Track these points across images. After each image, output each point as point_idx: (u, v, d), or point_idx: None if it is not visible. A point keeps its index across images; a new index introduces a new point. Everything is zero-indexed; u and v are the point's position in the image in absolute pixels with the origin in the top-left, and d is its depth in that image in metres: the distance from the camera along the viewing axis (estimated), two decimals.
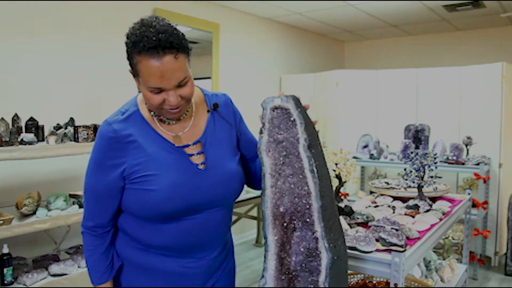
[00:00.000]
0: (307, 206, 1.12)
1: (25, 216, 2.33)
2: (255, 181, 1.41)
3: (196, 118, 1.29)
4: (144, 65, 1.08)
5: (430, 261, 2.20)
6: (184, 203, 1.19)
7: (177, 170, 1.20)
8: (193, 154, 1.24)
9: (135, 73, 1.14)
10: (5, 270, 2.22)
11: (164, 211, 1.18)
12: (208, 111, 1.31)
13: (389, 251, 1.31)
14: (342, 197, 1.92)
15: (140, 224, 1.23)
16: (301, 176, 1.13)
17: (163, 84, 1.10)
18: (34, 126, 2.45)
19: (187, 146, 1.24)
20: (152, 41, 1.05)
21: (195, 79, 1.29)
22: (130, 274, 1.30)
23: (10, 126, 2.39)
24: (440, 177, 1.99)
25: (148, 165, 1.18)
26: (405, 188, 2.15)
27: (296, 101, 1.15)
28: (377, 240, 1.41)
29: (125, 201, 1.22)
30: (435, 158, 1.96)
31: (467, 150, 3.81)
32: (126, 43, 1.12)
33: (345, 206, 1.70)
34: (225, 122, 1.32)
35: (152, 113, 1.24)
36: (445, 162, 3.63)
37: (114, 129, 1.18)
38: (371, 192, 2.32)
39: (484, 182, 3.53)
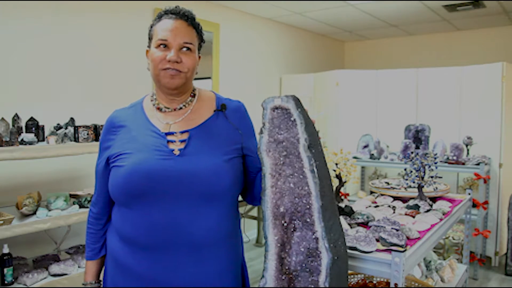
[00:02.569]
0: (308, 206, 1.12)
1: (25, 216, 2.33)
2: (253, 197, 1.35)
3: (196, 113, 1.30)
4: (159, 24, 1.25)
5: (430, 261, 2.19)
6: (145, 183, 1.16)
7: (149, 150, 1.20)
8: (174, 141, 1.23)
9: (150, 39, 1.28)
10: (5, 270, 2.22)
11: (126, 189, 1.18)
12: (214, 110, 1.31)
13: (389, 251, 1.31)
14: (343, 197, 1.92)
15: (118, 210, 1.26)
16: (301, 176, 1.13)
17: (170, 37, 1.22)
18: (34, 126, 2.45)
19: (172, 133, 1.25)
20: (173, 9, 1.27)
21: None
22: (112, 271, 1.28)
23: (11, 126, 2.40)
24: (440, 177, 1.99)
25: (128, 145, 1.24)
26: (405, 188, 2.15)
27: (297, 101, 1.16)
28: (377, 240, 1.41)
29: (108, 183, 1.27)
30: (435, 158, 1.96)
31: (467, 150, 3.81)
32: (152, 21, 1.30)
33: (346, 206, 1.70)
34: (229, 124, 1.30)
35: (152, 102, 1.31)
36: (445, 162, 3.63)
37: (114, 115, 1.32)
38: (372, 192, 2.32)
39: (485, 182, 3.53)
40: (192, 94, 1.33)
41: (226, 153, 1.24)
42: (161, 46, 1.23)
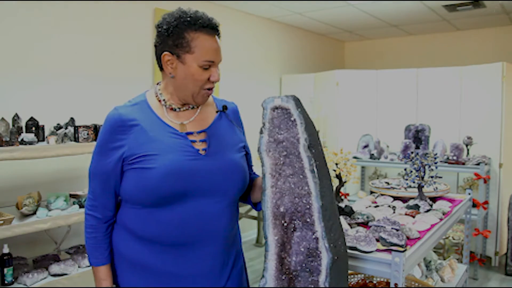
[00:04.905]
0: (308, 206, 1.12)
1: (25, 216, 2.33)
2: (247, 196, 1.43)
3: (204, 114, 1.33)
4: (202, 41, 1.21)
5: (430, 261, 2.19)
6: (181, 184, 1.18)
7: (177, 151, 1.21)
8: (195, 141, 1.26)
9: (183, 48, 1.21)
10: (5, 270, 2.23)
11: (161, 192, 1.18)
12: (216, 111, 1.35)
13: (390, 251, 1.31)
14: (343, 197, 1.92)
15: (136, 212, 1.24)
16: (301, 176, 1.13)
17: (216, 58, 1.24)
18: (34, 126, 2.45)
19: (191, 133, 1.27)
20: (208, 21, 1.23)
21: None
22: (126, 273, 1.29)
23: (11, 126, 2.40)
24: (440, 177, 1.99)
25: (149, 146, 1.21)
26: (405, 188, 2.15)
27: (297, 101, 1.16)
28: (377, 240, 1.41)
29: (124, 185, 1.24)
30: (435, 158, 1.96)
31: (468, 150, 3.81)
32: (177, 23, 1.21)
33: (346, 206, 1.70)
34: (231, 124, 1.36)
35: (163, 101, 1.29)
36: (446, 162, 3.63)
37: (120, 112, 1.25)
38: (372, 192, 2.32)
39: (485, 182, 3.53)
40: None
41: (237, 151, 1.32)
42: (206, 67, 1.22)
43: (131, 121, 1.23)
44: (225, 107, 1.36)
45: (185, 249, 1.23)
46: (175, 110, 1.29)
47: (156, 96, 1.31)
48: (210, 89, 1.26)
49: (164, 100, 1.29)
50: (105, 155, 1.24)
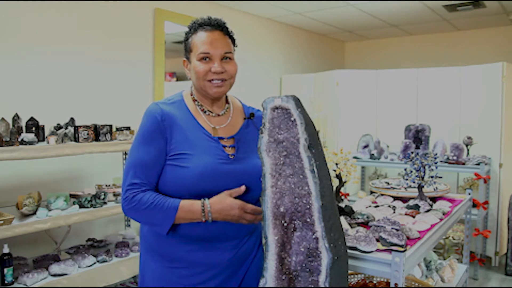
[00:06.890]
0: (308, 206, 1.12)
1: (25, 216, 2.33)
2: None
3: (233, 120, 1.44)
4: (197, 37, 1.34)
5: (430, 261, 2.20)
6: (211, 184, 1.28)
7: (210, 154, 1.32)
8: (226, 146, 1.37)
9: (189, 51, 1.37)
10: (5, 270, 2.22)
11: (193, 189, 1.28)
12: (244, 118, 1.47)
13: (390, 251, 1.31)
14: (343, 197, 1.92)
15: None
16: (301, 176, 1.13)
17: (211, 50, 1.32)
18: (34, 126, 2.45)
19: (222, 138, 1.38)
20: (205, 20, 1.36)
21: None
22: (156, 265, 1.36)
23: (11, 126, 2.40)
24: (440, 177, 1.99)
25: (185, 145, 1.31)
26: (405, 188, 2.15)
27: (297, 101, 1.16)
28: (377, 240, 1.41)
29: (162, 178, 1.32)
30: (435, 158, 1.96)
31: (468, 150, 3.81)
32: (186, 33, 1.39)
33: (346, 206, 1.70)
34: (257, 131, 1.46)
35: (196, 102, 1.40)
36: (446, 162, 3.63)
37: (162, 108, 1.34)
38: (372, 192, 2.32)
39: (485, 182, 3.53)
40: (226, 100, 1.47)
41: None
42: (203, 59, 1.33)
43: (172, 118, 1.33)
44: (252, 115, 1.48)
45: (212, 241, 1.33)
46: (205, 112, 1.39)
47: (192, 96, 1.42)
48: (214, 80, 1.33)
49: (197, 101, 1.41)
50: (152, 145, 1.31)
